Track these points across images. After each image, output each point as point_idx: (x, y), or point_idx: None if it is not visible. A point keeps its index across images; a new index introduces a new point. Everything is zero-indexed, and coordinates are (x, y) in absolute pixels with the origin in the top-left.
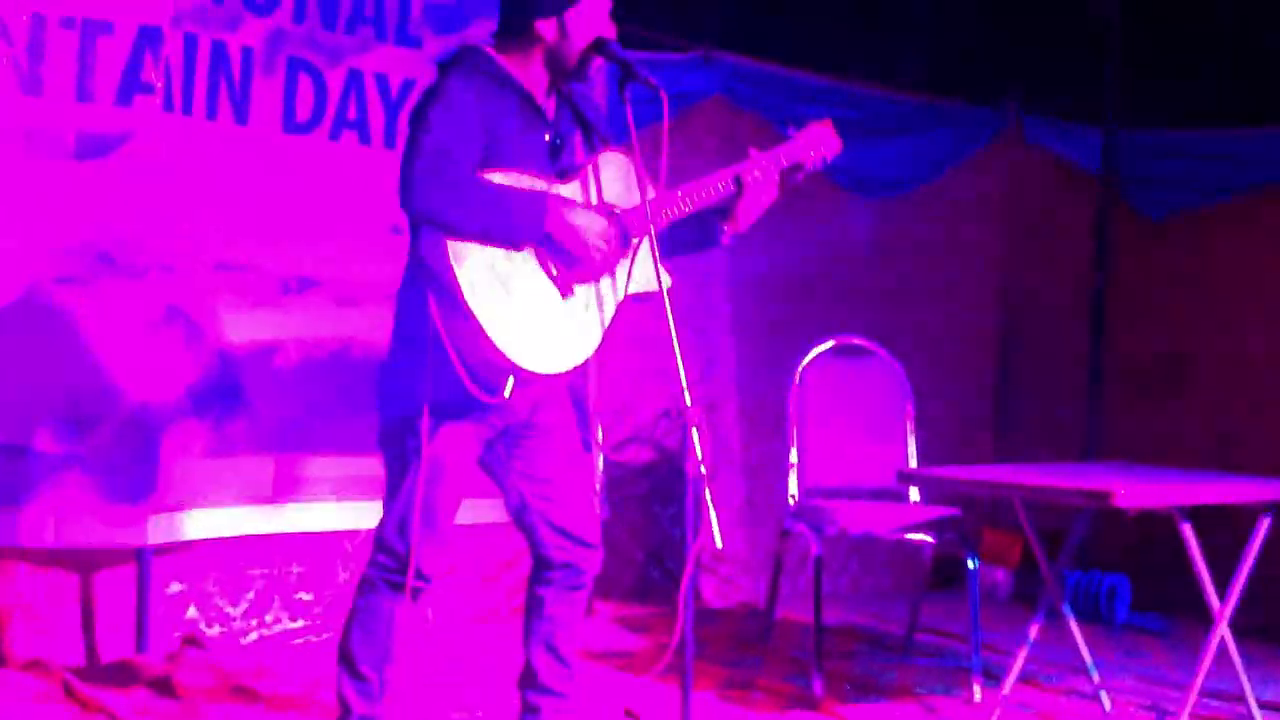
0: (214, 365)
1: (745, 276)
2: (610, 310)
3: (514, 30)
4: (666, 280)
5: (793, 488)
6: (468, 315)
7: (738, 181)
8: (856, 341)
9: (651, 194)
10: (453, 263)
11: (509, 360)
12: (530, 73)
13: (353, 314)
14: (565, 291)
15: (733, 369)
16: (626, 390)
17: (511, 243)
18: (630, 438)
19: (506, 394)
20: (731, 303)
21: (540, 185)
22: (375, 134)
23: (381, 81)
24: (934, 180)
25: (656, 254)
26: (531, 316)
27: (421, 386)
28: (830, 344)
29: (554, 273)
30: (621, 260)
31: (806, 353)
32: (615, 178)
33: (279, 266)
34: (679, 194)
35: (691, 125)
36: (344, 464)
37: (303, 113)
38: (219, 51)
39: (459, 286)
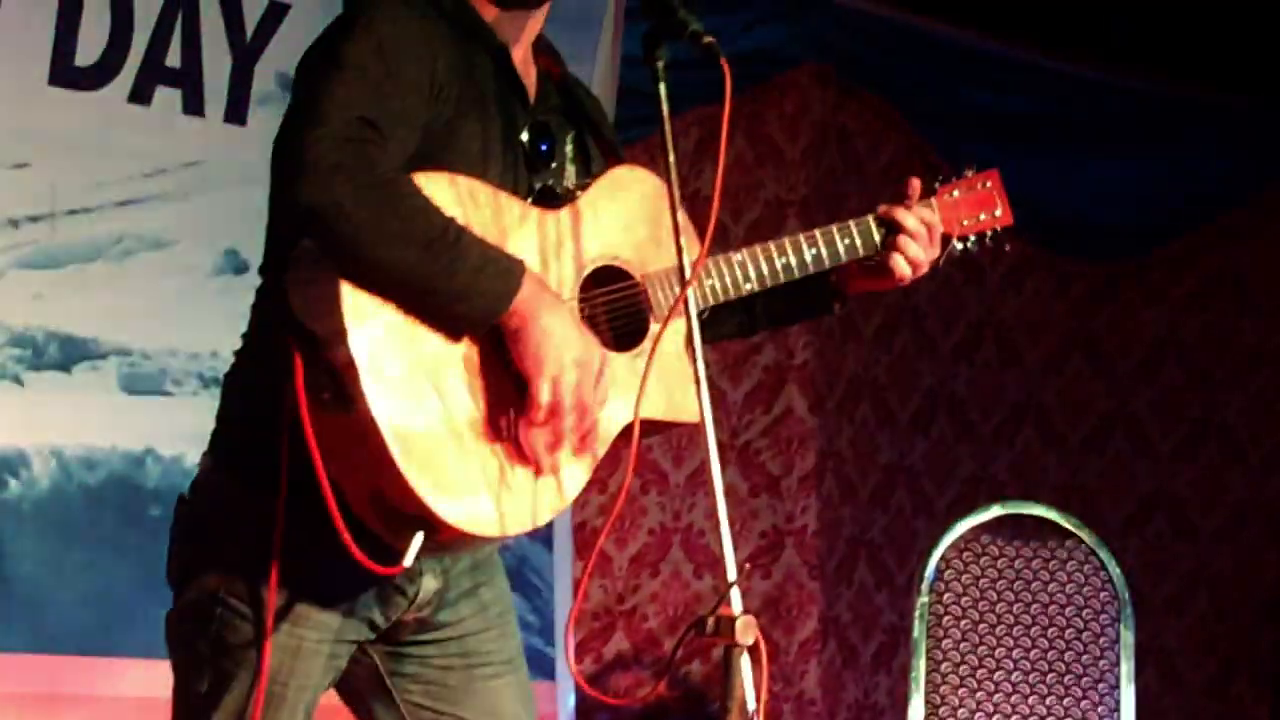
0: None
1: (848, 385)
2: (606, 438)
3: None
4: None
5: None
6: (364, 417)
7: (882, 236)
8: (1038, 512)
9: (693, 248)
10: (348, 321)
11: (423, 504)
12: (496, 20)
13: (153, 408)
14: (533, 404)
15: (817, 550)
16: (623, 571)
17: (448, 317)
18: (623, 659)
19: (408, 560)
20: (821, 431)
21: (515, 213)
22: (212, 96)
23: (231, 4)
24: (1187, 234)
25: (700, 363)
26: (468, 436)
27: (257, 540)
28: (991, 512)
29: (513, 369)
30: (635, 355)
31: (946, 527)
32: (631, 212)
33: (27, 318)
34: (752, 256)
35: (763, 112)
36: (121, 673)
37: (88, 52)
38: None
39: (355, 363)
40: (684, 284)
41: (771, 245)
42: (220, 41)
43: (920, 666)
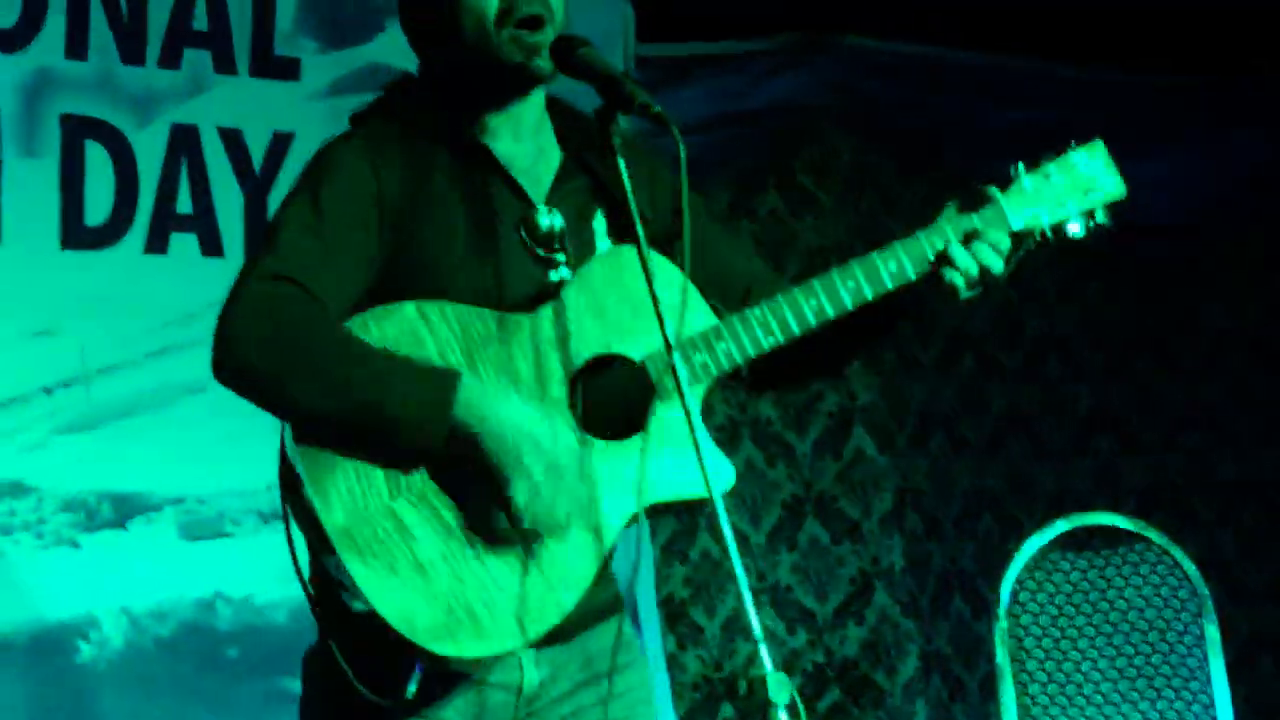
0: None
1: (917, 419)
2: (612, 531)
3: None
4: (729, 477)
5: None
6: (331, 560)
7: (927, 264)
8: (1103, 521)
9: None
10: (305, 475)
11: (402, 637)
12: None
13: (216, 551)
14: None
15: (908, 588)
16: (716, 638)
17: (392, 449)
18: None
19: (409, 693)
20: (895, 469)
21: (484, 325)
22: (229, 234)
23: (233, 141)
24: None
25: (694, 429)
26: (449, 557)
27: (338, 685)
28: (1058, 529)
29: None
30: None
31: (1017, 550)
32: (626, 292)
33: (74, 482)
34: (772, 307)
35: (790, 162)
36: None
37: (97, 210)
38: None
39: (316, 514)
40: (669, 351)
41: (796, 291)
42: (228, 179)
43: (1009, 691)
